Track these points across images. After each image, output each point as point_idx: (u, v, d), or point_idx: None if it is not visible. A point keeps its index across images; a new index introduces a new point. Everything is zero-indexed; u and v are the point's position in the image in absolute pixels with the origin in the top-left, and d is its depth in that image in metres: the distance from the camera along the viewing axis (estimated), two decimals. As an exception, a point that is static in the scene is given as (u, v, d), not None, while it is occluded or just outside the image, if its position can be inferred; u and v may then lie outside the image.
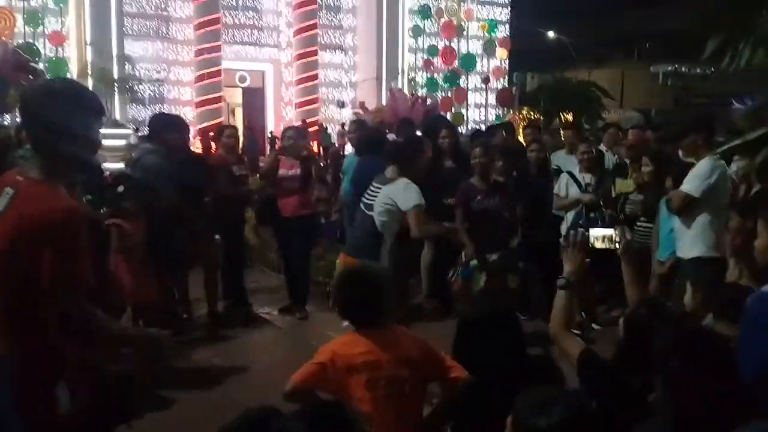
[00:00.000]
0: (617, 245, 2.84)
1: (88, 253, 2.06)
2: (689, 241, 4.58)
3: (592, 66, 20.52)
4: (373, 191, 4.85)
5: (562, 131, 8.39)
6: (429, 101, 14.16)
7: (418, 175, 4.80)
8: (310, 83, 16.40)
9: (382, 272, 2.96)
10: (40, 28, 13.08)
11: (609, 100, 19.47)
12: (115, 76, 13.64)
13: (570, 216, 5.93)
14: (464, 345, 2.72)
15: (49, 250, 1.94)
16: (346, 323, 2.92)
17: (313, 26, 16.38)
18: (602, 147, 7.19)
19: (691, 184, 4.53)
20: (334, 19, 17.64)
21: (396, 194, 4.58)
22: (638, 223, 5.72)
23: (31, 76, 10.00)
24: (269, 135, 16.16)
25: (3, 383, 1.89)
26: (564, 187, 6.04)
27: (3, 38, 11.31)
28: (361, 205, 4.91)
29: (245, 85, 17.23)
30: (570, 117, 17.56)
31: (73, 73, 13.33)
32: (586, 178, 5.95)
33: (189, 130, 6.26)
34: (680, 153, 5.47)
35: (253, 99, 17.37)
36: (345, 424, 1.71)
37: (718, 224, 4.52)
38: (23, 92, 2.33)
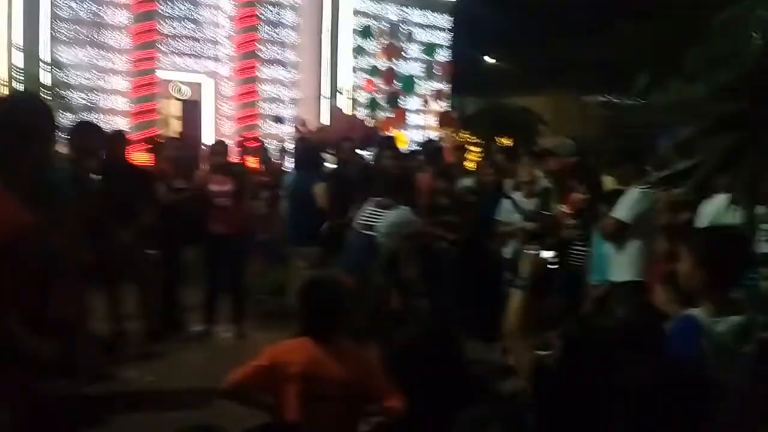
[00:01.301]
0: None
1: (31, 267, 2.00)
2: (621, 265, 4.77)
3: (527, 92, 21.11)
4: (372, 214, 5.21)
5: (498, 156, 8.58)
6: (371, 122, 14.29)
7: (411, 200, 5.36)
8: (250, 99, 16.25)
9: (341, 285, 2.98)
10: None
11: (543, 127, 20.07)
12: (47, 82, 13.14)
13: (512, 244, 6.01)
14: (406, 365, 2.74)
15: None
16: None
17: (254, 40, 16.27)
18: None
19: (623, 211, 4.73)
20: (275, 35, 17.58)
21: (397, 221, 5.03)
22: (573, 247, 5.90)
23: None
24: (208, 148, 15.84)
25: None
26: (507, 213, 6.09)
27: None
28: (357, 226, 5.25)
29: (183, 97, 16.91)
30: (508, 142, 17.99)
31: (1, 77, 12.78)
32: (529, 204, 6.03)
33: (123, 139, 6.08)
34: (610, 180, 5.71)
35: (191, 111, 17.04)
36: None
37: (647, 249, 4.72)
38: None
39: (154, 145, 6.78)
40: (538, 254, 2.82)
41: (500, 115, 18.36)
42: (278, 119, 16.91)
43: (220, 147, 6.35)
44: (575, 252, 5.91)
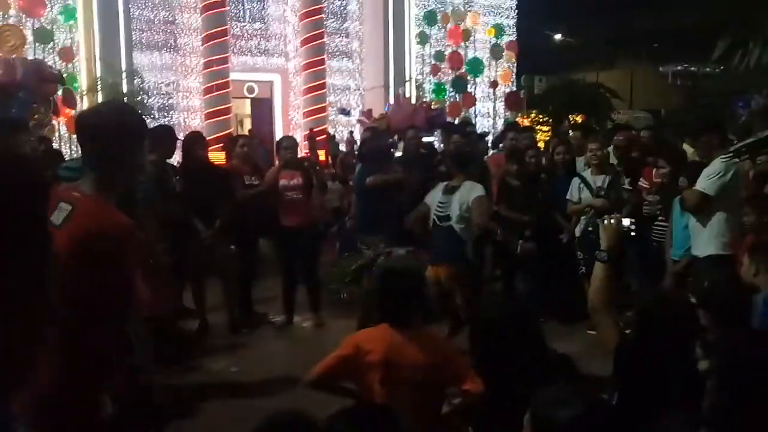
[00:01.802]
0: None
1: (136, 267, 2.13)
2: (704, 239, 4.59)
3: (601, 68, 20.44)
4: (441, 205, 5.37)
5: (570, 133, 8.39)
6: (436, 106, 14.20)
7: (477, 172, 5.58)
8: (318, 92, 16.47)
9: (416, 271, 3.02)
10: (51, 44, 13.23)
11: (618, 101, 19.42)
12: (124, 89, 13.76)
13: (583, 221, 5.91)
14: (485, 346, 2.74)
15: (103, 264, 2.00)
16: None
17: (320, 35, 16.46)
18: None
19: (706, 182, 4.54)
20: (340, 27, 17.72)
21: (466, 197, 5.22)
22: (656, 223, 5.74)
23: (55, 85, 10.09)
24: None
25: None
26: (576, 192, 6.01)
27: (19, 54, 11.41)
28: (435, 219, 5.41)
29: (253, 95, 17.33)
30: (579, 119, 17.53)
31: (83, 87, 13.46)
32: (598, 180, 5.93)
33: (201, 140, 6.29)
34: (693, 151, 5.49)
35: (262, 109, 17.45)
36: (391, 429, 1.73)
37: (733, 222, 4.52)
38: (78, 115, 2.41)
39: (228, 143, 6.98)
40: (619, 223, 2.76)
41: (570, 93, 17.93)
42: (344, 111, 17.08)
43: (288, 142, 6.47)
44: (656, 227, 5.75)
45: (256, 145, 13.13)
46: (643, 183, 6.20)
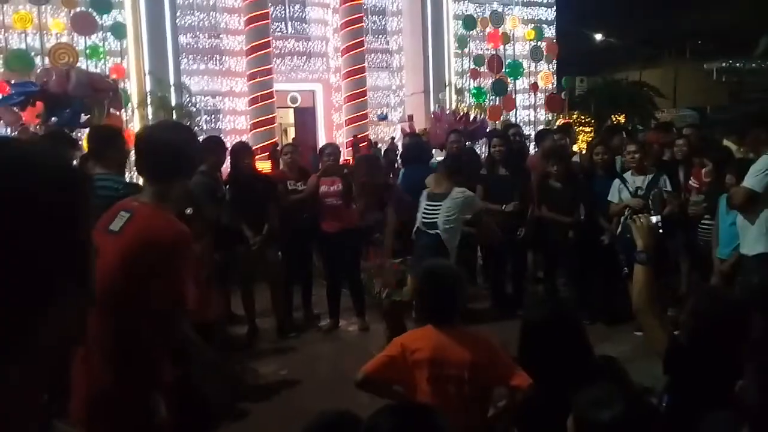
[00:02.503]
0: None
1: (189, 273, 2.25)
2: (753, 237, 4.52)
3: (643, 66, 20.06)
4: (428, 210, 5.19)
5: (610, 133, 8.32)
6: (477, 117, 14.20)
7: (472, 184, 5.18)
8: (359, 99, 16.63)
9: (459, 272, 3.08)
10: (102, 62, 13.70)
11: (662, 99, 19.03)
12: (173, 102, 14.16)
13: (622, 221, 5.86)
14: (530, 348, 2.77)
15: (159, 268, 2.11)
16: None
17: (360, 44, 16.64)
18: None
19: (753, 179, 4.47)
20: (380, 35, 17.87)
21: (458, 206, 5.06)
22: (702, 222, 5.67)
23: (111, 93, 10.43)
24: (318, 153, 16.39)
25: None
26: (616, 193, 5.98)
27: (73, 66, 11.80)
28: (421, 226, 5.24)
29: (296, 105, 17.60)
30: (622, 119, 17.26)
31: (133, 102, 13.89)
32: (637, 181, 5.87)
33: (248, 150, 6.47)
34: (737, 148, 5.40)
35: (305, 118, 17.71)
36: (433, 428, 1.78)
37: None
38: (137, 133, 2.57)
39: (272, 152, 7.16)
40: (648, 221, 2.76)
41: (612, 92, 17.64)
42: (382, 117, 17.20)
43: (330, 149, 6.62)
44: (701, 226, 5.68)
45: (306, 151, 13.42)
46: (693, 183, 6.13)
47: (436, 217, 5.18)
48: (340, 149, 7.24)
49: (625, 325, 5.46)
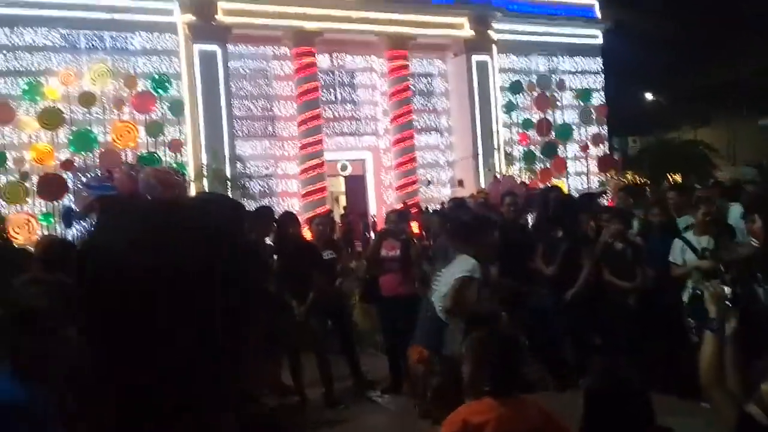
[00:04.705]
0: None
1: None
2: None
3: (698, 125, 19.79)
4: (437, 277, 4.75)
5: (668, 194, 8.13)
6: (529, 178, 14.17)
7: (484, 252, 4.56)
8: (409, 166, 16.84)
9: (515, 340, 2.98)
10: (161, 137, 14.35)
11: (720, 158, 18.65)
12: (228, 175, 14.62)
13: (690, 284, 5.65)
14: (594, 419, 2.65)
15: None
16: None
17: (408, 112, 16.98)
18: None
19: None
20: (428, 103, 18.21)
21: (451, 272, 4.42)
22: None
23: (179, 189, 10.75)
24: (371, 219, 16.54)
25: None
26: (679, 254, 5.78)
27: (149, 171, 12.18)
28: (429, 293, 4.81)
29: (347, 173, 17.93)
30: (679, 178, 16.92)
31: (191, 174, 14.41)
32: (702, 241, 5.69)
33: (294, 219, 6.63)
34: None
35: (355, 186, 18.00)
36: None
37: None
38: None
39: (308, 221, 7.36)
40: (722, 290, 2.61)
41: (666, 151, 17.39)
42: (426, 182, 17.34)
43: (393, 216, 6.78)
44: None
45: (356, 218, 13.58)
46: (753, 241, 5.89)
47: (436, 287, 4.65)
48: (403, 217, 7.23)
49: (694, 397, 5.17)
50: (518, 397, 2.73)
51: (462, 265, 4.41)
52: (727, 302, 2.70)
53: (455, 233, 4.91)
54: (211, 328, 0.74)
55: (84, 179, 11.17)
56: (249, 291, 0.80)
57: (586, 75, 19.34)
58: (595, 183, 17.67)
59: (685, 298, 5.65)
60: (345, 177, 18.06)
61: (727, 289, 2.69)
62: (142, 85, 14.16)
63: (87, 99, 13.51)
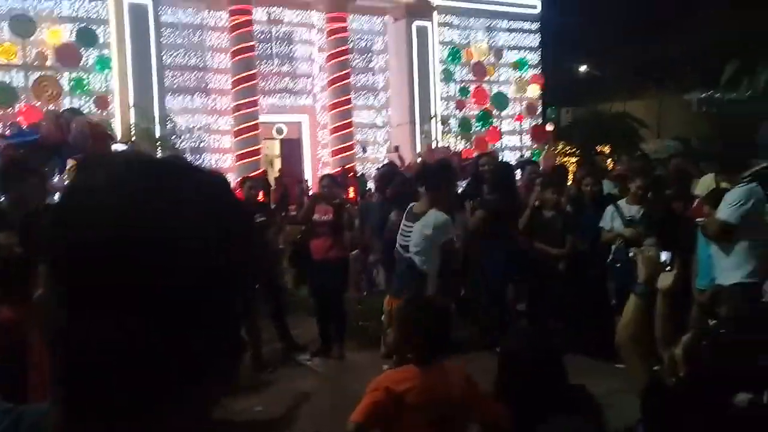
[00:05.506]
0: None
1: None
2: (729, 267, 4.50)
3: (627, 98, 20.33)
4: (405, 230, 4.96)
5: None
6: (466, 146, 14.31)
7: (447, 202, 4.95)
8: (345, 131, 16.71)
9: (442, 307, 3.00)
10: (86, 92, 13.69)
11: (646, 130, 19.25)
12: (158, 134, 14.12)
13: (612, 250, 5.83)
14: (506, 380, 2.70)
15: None
16: (386, 366, 2.92)
17: (347, 75, 16.77)
18: None
19: (726, 210, 4.48)
20: (366, 66, 17.99)
21: (429, 229, 4.69)
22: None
23: (109, 142, 10.23)
24: (303, 184, 16.36)
25: None
26: (609, 220, 5.95)
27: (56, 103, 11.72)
28: (398, 248, 5.01)
29: (282, 136, 17.65)
30: (606, 150, 17.41)
31: (117, 133, 13.85)
32: (632, 210, 5.87)
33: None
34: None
35: (291, 149, 17.75)
36: None
37: (757, 249, 4.44)
38: None
39: (240, 184, 7.21)
40: (657, 254, 2.65)
41: (597, 123, 17.86)
42: (362, 148, 17.27)
43: (326, 181, 6.73)
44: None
45: (292, 182, 13.46)
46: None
47: (410, 240, 4.87)
48: (335, 182, 7.19)
49: (609, 359, 5.38)
50: (441, 364, 2.75)
51: (437, 224, 4.71)
52: (668, 268, 2.74)
53: (428, 180, 5.01)
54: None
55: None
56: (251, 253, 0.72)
57: (524, 44, 19.50)
58: (527, 154, 17.99)
59: (611, 263, 5.83)
60: (280, 140, 17.78)
61: (664, 255, 2.74)
62: (67, 33, 13.44)
63: (7, 52, 12.77)
